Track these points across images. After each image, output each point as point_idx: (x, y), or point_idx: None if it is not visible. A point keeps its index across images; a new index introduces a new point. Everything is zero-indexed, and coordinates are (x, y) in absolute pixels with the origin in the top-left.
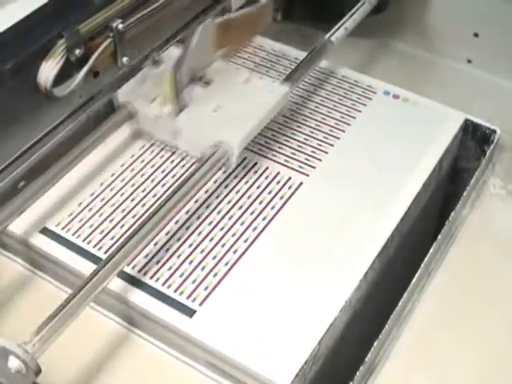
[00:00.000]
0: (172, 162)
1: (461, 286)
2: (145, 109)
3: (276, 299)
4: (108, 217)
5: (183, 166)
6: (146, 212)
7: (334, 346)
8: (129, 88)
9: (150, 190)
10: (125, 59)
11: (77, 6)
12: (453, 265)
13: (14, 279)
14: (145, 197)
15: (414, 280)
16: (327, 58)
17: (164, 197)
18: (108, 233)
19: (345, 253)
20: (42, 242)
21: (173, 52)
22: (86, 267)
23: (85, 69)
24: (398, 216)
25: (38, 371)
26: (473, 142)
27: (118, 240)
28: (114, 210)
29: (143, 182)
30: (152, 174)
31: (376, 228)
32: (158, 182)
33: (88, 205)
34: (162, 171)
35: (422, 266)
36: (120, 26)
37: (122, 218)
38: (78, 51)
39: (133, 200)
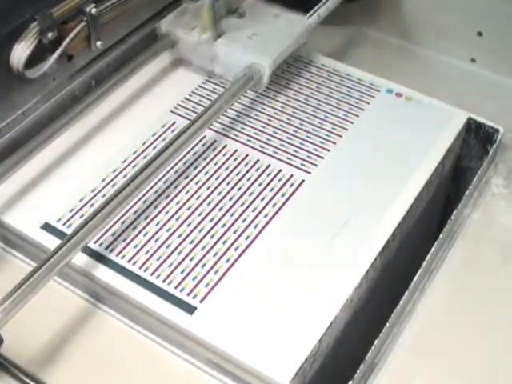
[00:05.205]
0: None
1: (462, 285)
2: (186, 36)
3: (277, 297)
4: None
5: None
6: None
7: (334, 344)
8: (170, 19)
9: None
10: (99, 43)
11: None
12: (454, 264)
13: None
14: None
15: (415, 279)
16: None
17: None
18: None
19: (346, 251)
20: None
21: None
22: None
23: (57, 52)
24: (400, 214)
25: (0, 341)
26: (476, 141)
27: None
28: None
29: None
30: None
31: (378, 226)
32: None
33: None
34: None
35: (424, 264)
36: (93, 11)
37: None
38: (50, 34)
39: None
